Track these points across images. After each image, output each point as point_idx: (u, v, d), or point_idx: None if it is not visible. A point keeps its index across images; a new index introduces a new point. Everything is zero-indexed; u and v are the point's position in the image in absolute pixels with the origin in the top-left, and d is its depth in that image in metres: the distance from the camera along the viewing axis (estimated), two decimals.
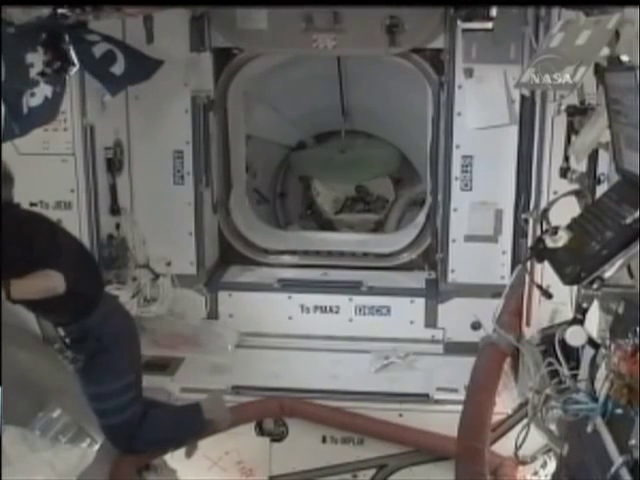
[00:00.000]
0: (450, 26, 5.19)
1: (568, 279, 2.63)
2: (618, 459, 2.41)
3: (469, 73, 5.15)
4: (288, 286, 5.96)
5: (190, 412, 4.69)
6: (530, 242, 4.69)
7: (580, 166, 3.64)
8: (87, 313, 4.20)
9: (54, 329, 5.02)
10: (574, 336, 2.73)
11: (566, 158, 3.87)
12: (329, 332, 5.80)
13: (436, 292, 5.74)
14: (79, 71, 4.46)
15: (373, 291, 5.87)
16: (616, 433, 2.52)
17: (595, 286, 2.58)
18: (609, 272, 2.56)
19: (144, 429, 4.41)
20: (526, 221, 4.82)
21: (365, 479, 5.22)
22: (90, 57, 4.53)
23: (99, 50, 4.60)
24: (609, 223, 2.60)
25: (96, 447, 4.40)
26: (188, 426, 4.69)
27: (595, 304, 2.78)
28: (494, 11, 4.61)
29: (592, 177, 3.55)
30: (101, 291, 4.44)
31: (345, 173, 8.12)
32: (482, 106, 5.18)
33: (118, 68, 4.73)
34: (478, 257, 5.49)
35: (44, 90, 4.29)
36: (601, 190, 3.41)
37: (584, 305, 2.72)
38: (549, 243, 2.78)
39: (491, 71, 5.10)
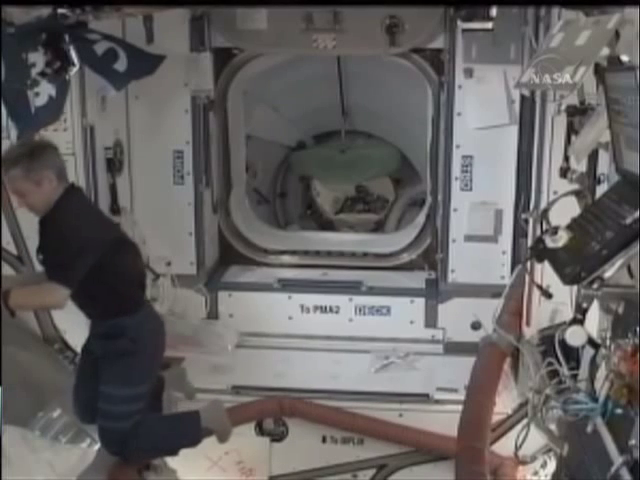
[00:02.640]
0: (450, 26, 5.19)
1: (568, 279, 2.63)
2: (618, 459, 2.42)
3: (469, 73, 5.15)
4: (288, 286, 5.95)
5: (188, 421, 4.51)
6: (530, 242, 4.69)
7: (580, 166, 3.64)
8: (130, 311, 4.17)
9: (54, 329, 5.05)
10: (574, 336, 2.73)
11: (566, 158, 3.88)
12: (329, 332, 5.80)
13: (436, 292, 5.74)
14: (79, 71, 4.46)
15: (373, 291, 5.87)
16: (616, 433, 2.53)
17: (595, 286, 2.58)
18: (609, 272, 2.56)
19: (138, 438, 4.22)
20: (526, 221, 4.82)
21: (365, 479, 5.22)
22: (92, 55, 4.53)
23: (100, 48, 4.60)
24: (609, 223, 2.60)
25: (96, 447, 4.40)
26: (184, 435, 4.47)
27: (595, 304, 2.78)
28: (494, 11, 4.61)
29: (592, 177, 3.55)
30: (145, 292, 4.43)
31: (345, 173, 8.12)
32: (482, 106, 5.18)
33: (121, 65, 4.73)
34: (478, 257, 5.48)
35: (48, 90, 4.29)
36: (601, 190, 3.41)
37: (584, 305, 2.72)
38: (549, 243, 2.78)
39: (491, 71, 5.10)
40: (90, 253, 3.93)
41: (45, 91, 4.29)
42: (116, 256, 4.07)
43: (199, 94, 5.59)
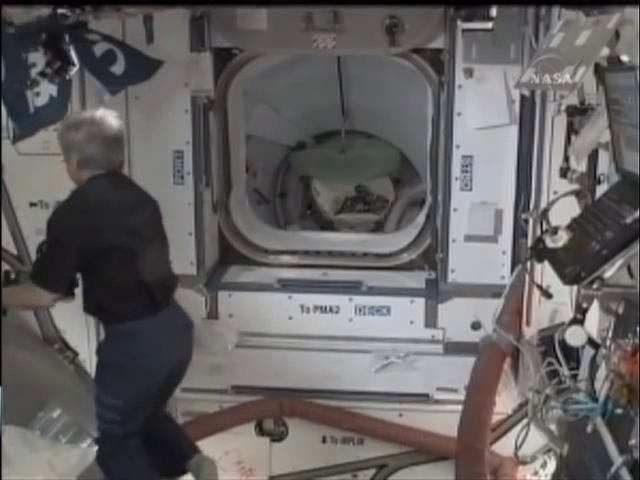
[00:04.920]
0: (450, 26, 5.19)
1: (568, 279, 2.63)
2: (618, 459, 2.42)
3: (469, 73, 5.15)
4: (288, 286, 5.95)
5: None
6: (530, 242, 4.70)
7: (580, 166, 3.64)
8: (113, 322, 3.89)
9: (54, 329, 5.03)
10: (574, 336, 2.73)
11: (566, 158, 3.87)
12: (329, 332, 5.79)
13: (436, 292, 5.73)
14: (79, 71, 4.46)
15: (373, 291, 5.86)
16: (616, 433, 2.53)
17: (595, 286, 2.58)
18: (609, 272, 2.56)
19: (101, 445, 4.04)
20: (526, 221, 4.82)
21: (365, 479, 5.23)
22: (90, 56, 4.53)
23: (99, 49, 4.60)
24: (609, 223, 2.60)
25: (96, 447, 4.40)
26: None
27: (595, 304, 2.78)
28: (494, 11, 4.61)
29: (592, 177, 3.55)
30: (150, 307, 3.93)
31: (345, 173, 8.12)
32: (482, 106, 5.18)
33: (118, 68, 4.72)
34: (478, 257, 5.48)
35: (49, 89, 4.29)
36: (601, 190, 3.41)
37: (584, 305, 2.72)
38: (549, 243, 2.78)
39: (491, 71, 5.10)
40: (72, 257, 3.69)
41: (46, 91, 4.29)
42: (107, 264, 3.74)
43: (199, 94, 5.58)
